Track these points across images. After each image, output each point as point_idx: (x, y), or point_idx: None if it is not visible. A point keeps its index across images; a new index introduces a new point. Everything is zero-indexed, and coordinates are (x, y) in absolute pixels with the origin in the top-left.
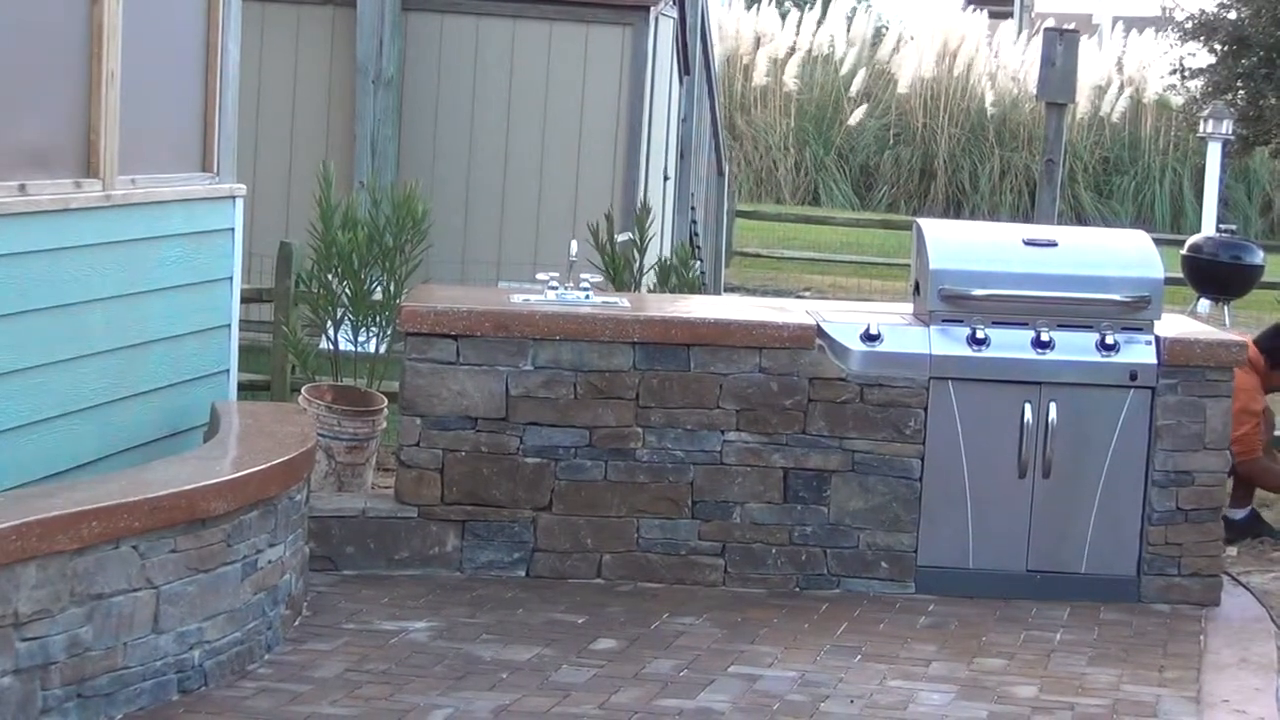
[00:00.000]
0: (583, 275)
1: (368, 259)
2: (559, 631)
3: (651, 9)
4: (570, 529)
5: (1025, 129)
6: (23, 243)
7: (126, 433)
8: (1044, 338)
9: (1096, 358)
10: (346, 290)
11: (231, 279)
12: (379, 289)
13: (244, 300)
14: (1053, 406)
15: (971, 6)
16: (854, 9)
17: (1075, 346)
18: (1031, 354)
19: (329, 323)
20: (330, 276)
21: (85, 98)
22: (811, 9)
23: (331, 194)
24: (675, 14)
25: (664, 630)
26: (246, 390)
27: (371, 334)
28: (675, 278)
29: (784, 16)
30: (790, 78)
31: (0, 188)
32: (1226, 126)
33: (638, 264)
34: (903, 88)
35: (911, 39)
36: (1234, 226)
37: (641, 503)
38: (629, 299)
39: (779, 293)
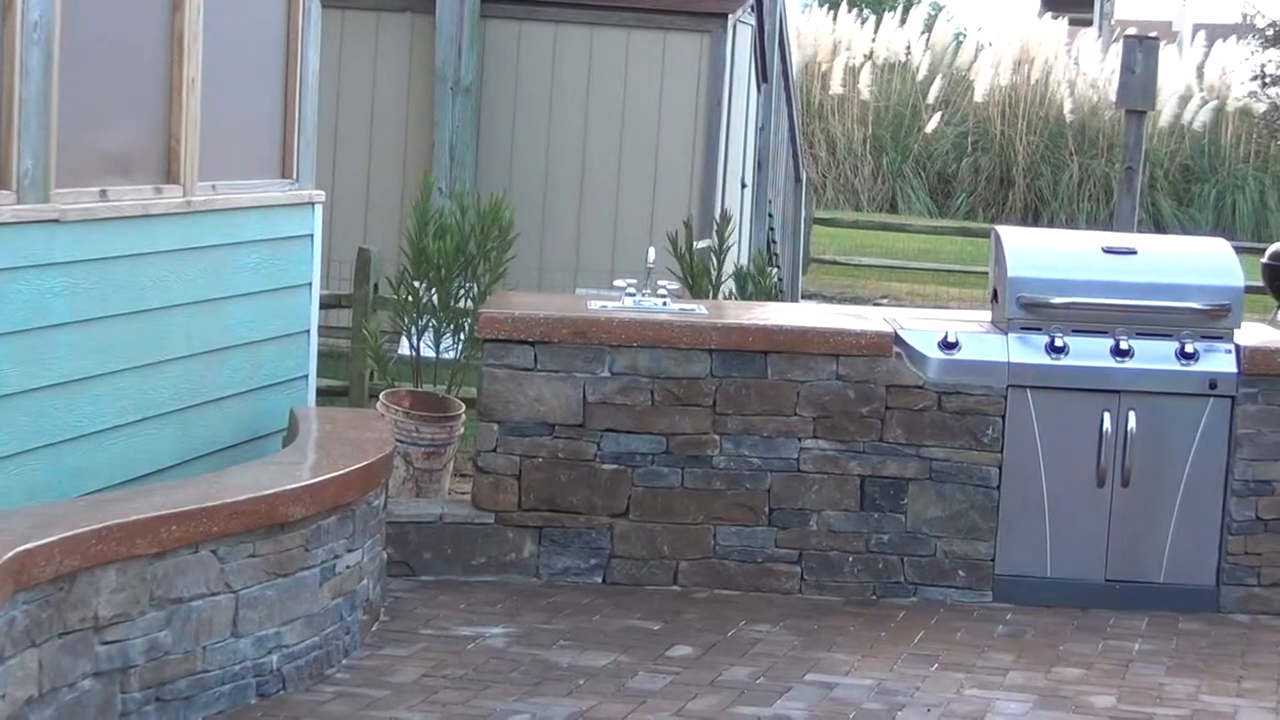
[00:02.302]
0: (660, 282)
1: (454, 267)
2: (635, 638)
3: (729, 16)
4: (647, 536)
5: (1104, 136)
6: (104, 249)
7: (205, 438)
8: (1123, 346)
9: (1176, 366)
10: (433, 297)
11: (310, 285)
12: (463, 296)
13: (323, 306)
14: (1132, 415)
15: (1050, 14)
16: (932, 16)
17: (1154, 355)
18: (1110, 362)
19: (412, 329)
20: (418, 283)
21: (166, 104)
22: (893, 13)
23: (429, 203)
24: (753, 21)
25: (740, 637)
26: (325, 396)
27: (455, 341)
28: (752, 285)
29: (863, 23)
30: (865, 86)
31: (82, 194)
32: None
33: (716, 272)
34: (980, 95)
35: (989, 45)
36: None
37: (718, 510)
38: (706, 306)
39: (856, 300)
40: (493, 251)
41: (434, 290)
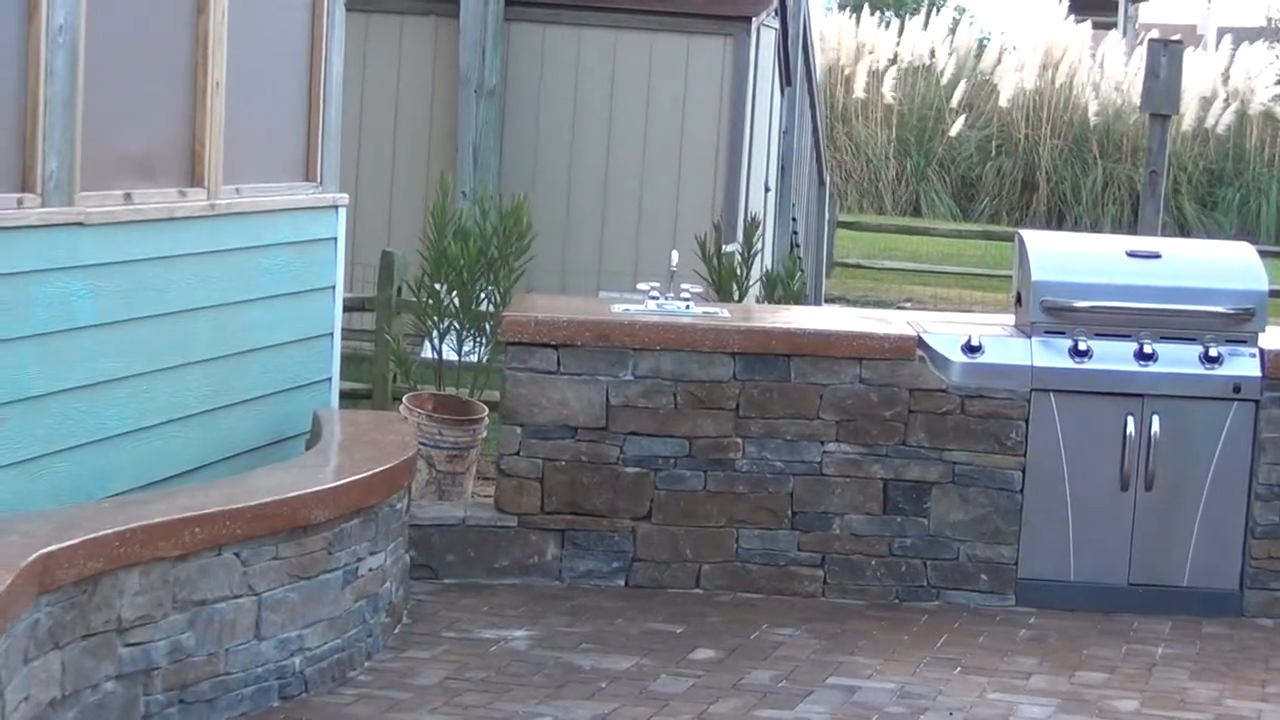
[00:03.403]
0: (683, 285)
1: (476, 270)
2: (658, 641)
3: (753, 20)
4: (669, 539)
5: (1129, 140)
6: (129, 252)
7: (229, 440)
8: (1147, 350)
9: (1200, 370)
10: (454, 300)
11: (334, 288)
12: (485, 299)
13: (346, 309)
14: (1155, 419)
15: (1074, 17)
16: (956, 20)
17: (1178, 359)
18: (1134, 366)
19: (434, 332)
20: (438, 286)
21: (190, 107)
22: (914, 17)
23: (447, 205)
24: (777, 25)
25: (763, 641)
26: (348, 399)
27: (478, 344)
28: (780, 288)
29: (886, 26)
30: (889, 90)
31: (107, 197)
32: None
33: (743, 275)
34: (1004, 99)
35: (1014, 49)
36: None
37: (741, 513)
38: (729, 309)
39: (880, 304)
40: (512, 254)
41: (455, 293)
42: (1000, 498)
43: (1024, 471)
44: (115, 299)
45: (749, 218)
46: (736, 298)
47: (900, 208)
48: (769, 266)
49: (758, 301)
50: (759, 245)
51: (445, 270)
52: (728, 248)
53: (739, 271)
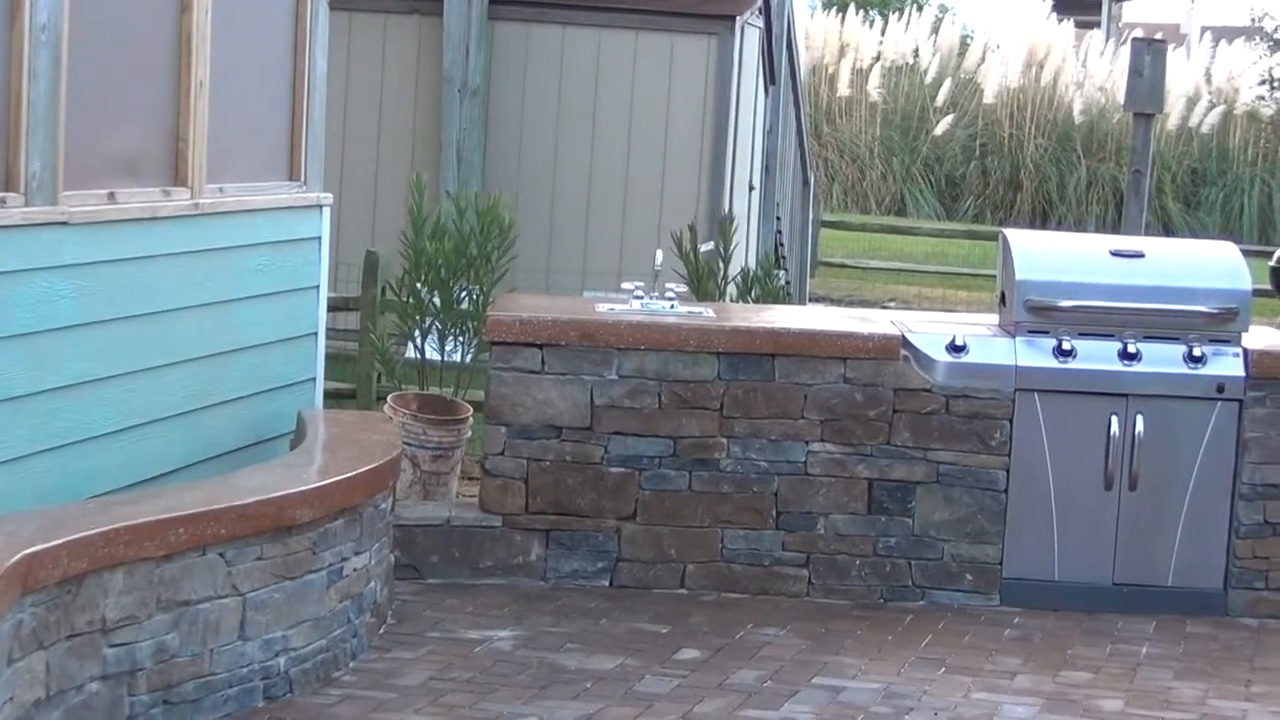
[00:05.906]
0: (668, 285)
1: (456, 269)
2: (642, 641)
3: (737, 19)
4: (654, 539)
5: (1112, 139)
6: (112, 251)
7: (213, 440)
8: (1131, 349)
9: (1184, 370)
10: (435, 299)
11: (318, 287)
12: (465, 298)
13: (330, 309)
14: (1139, 419)
15: (1058, 16)
16: (939, 18)
17: (1162, 358)
18: (1118, 366)
19: (417, 331)
20: (419, 285)
21: (174, 107)
22: (900, 18)
23: (424, 205)
24: (761, 24)
25: (747, 641)
26: (332, 398)
27: (458, 343)
28: (759, 288)
29: (870, 25)
30: (874, 88)
31: (90, 196)
32: None
33: (721, 274)
34: (989, 98)
35: (997, 48)
36: None
37: (725, 513)
38: (714, 309)
39: (864, 303)
40: (493, 253)
41: (435, 292)
42: (985, 498)
43: (1008, 471)
44: (99, 299)
45: (725, 216)
46: (716, 296)
47: (885, 207)
48: (751, 265)
49: (734, 300)
50: (737, 243)
51: (425, 269)
52: (705, 247)
53: (717, 270)
